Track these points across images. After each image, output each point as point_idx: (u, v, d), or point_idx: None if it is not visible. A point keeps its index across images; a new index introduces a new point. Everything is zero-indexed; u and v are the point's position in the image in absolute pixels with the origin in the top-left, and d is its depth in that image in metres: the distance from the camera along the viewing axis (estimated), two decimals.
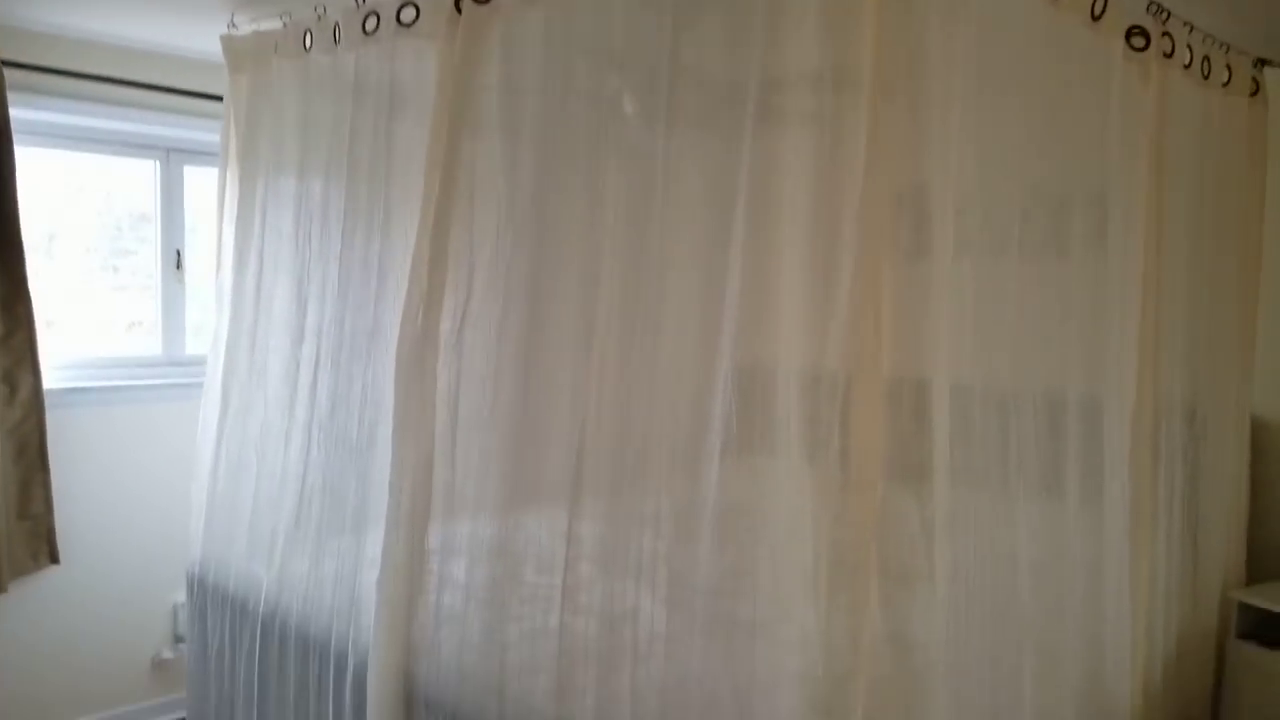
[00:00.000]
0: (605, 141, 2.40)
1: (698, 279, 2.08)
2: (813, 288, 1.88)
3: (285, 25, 2.94)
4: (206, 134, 3.76)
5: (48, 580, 3.60)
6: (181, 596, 3.48)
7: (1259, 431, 3.28)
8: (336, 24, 2.70)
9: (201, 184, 4.04)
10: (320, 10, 2.76)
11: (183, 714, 3.56)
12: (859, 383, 1.78)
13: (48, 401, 3.42)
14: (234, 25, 3.17)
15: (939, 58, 1.91)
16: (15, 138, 3.26)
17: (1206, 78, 2.83)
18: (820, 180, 1.92)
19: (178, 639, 3.87)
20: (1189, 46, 2.73)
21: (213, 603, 3.08)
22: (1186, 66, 2.74)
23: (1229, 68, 2.92)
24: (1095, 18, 2.37)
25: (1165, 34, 2.61)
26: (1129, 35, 2.51)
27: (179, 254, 4.04)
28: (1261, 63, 3.09)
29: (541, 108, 2.39)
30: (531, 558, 2.34)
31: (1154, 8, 2.57)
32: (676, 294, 2.09)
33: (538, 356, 2.28)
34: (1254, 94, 3.08)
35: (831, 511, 1.82)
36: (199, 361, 3.53)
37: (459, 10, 2.31)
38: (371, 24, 2.57)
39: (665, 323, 2.08)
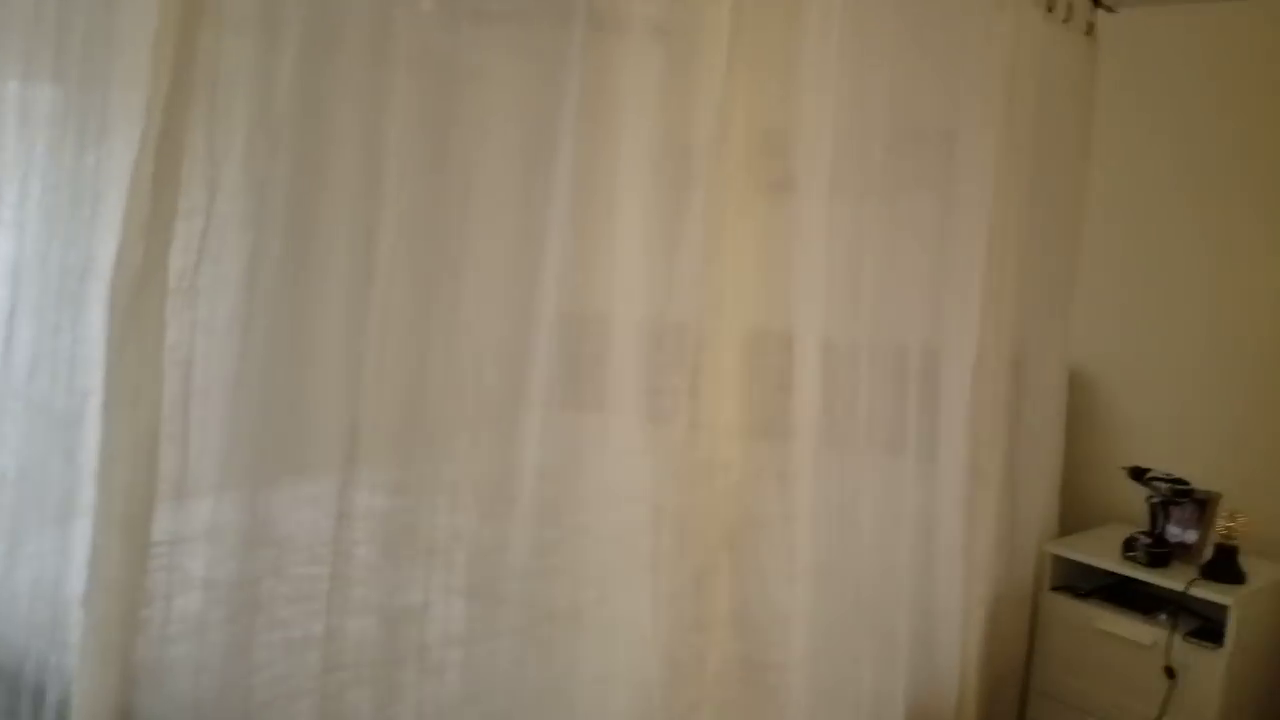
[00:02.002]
0: (392, 38, 1.93)
1: (512, 209, 1.68)
2: (657, 227, 1.53)
3: None
4: None
5: None
6: None
7: (1072, 381, 3.25)
8: None
9: None
10: None
11: None
12: (710, 334, 1.45)
13: None
14: None
15: None
16: None
17: (1050, 11, 2.68)
18: (669, 101, 1.56)
19: None
20: None
21: None
22: None
23: (1070, 3, 2.78)
24: None
25: None
26: None
27: None
28: (1096, 3, 2.98)
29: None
30: (292, 544, 1.90)
31: None
32: (484, 225, 1.68)
33: (301, 298, 1.80)
34: (1087, 34, 2.97)
35: (677, 479, 1.50)
36: None
37: None
38: None
39: (469, 259, 1.67)
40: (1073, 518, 3.30)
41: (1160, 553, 2.82)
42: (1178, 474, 2.89)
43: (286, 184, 1.83)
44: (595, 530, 1.67)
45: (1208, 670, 2.63)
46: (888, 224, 1.97)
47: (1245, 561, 2.74)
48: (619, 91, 1.62)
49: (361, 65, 1.91)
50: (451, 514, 1.77)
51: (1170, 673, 2.67)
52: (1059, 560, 3.03)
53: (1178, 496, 2.85)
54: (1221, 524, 2.76)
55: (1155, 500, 2.89)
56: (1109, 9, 3.00)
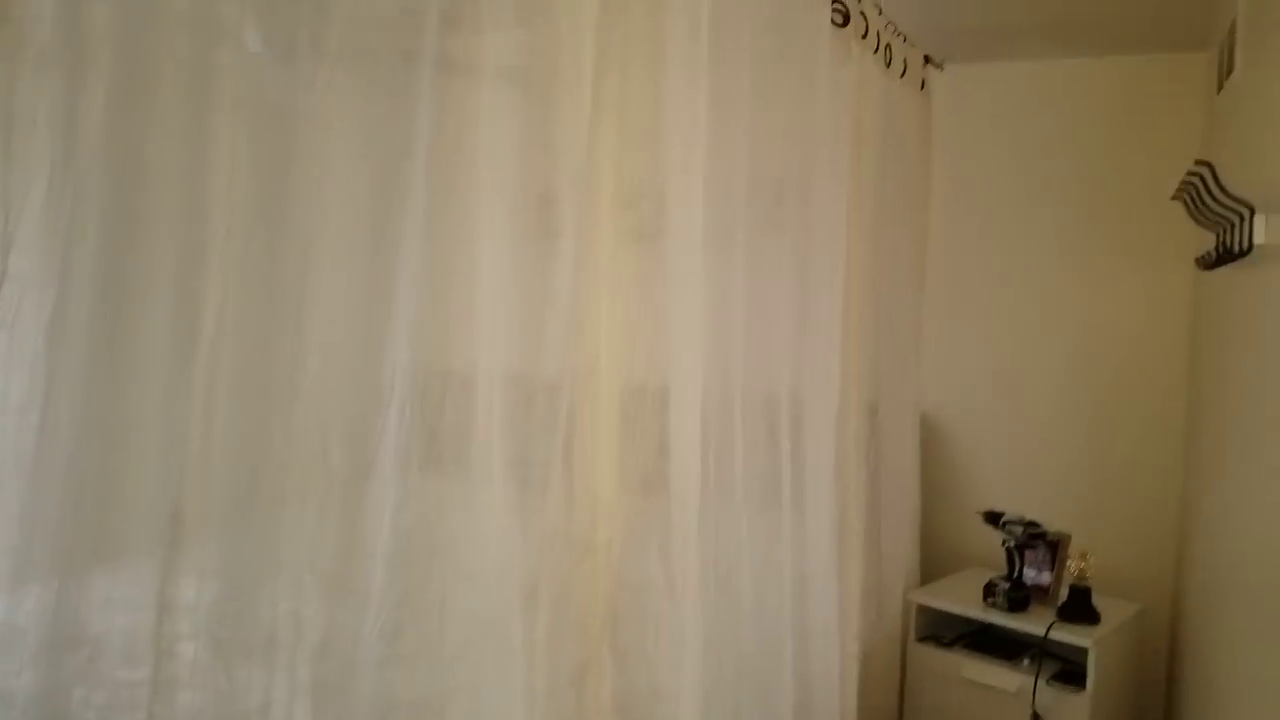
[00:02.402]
0: (217, 78, 1.76)
1: (359, 261, 1.53)
2: (523, 278, 1.42)
3: None
4: None
5: None
6: None
7: (923, 427, 3.30)
8: None
9: None
10: None
11: None
12: (583, 393, 1.34)
13: None
14: None
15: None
16: None
17: (888, 66, 2.75)
18: (529, 147, 1.46)
19: None
20: (878, 33, 2.62)
21: None
22: (875, 52, 2.62)
23: (905, 60, 2.87)
24: None
25: (862, 13, 2.48)
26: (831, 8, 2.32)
27: None
28: (927, 60, 3.09)
29: (121, 25, 1.70)
30: (106, 644, 1.64)
31: None
32: (327, 280, 1.51)
33: (114, 366, 1.58)
34: (921, 89, 3.06)
35: (552, 556, 1.36)
36: None
37: None
38: None
39: (310, 316, 1.50)
40: (932, 564, 3.34)
41: (1019, 597, 2.86)
42: (1029, 517, 2.95)
43: (95, 237, 1.62)
44: (458, 613, 1.51)
45: (1072, 713, 2.66)
46: (752, 272, 1.92)
47: (1098, 601, 2.81)
48: (474, 137, 1.51)
49: (182, 107, 1.74)
50: (293, 600, 1.57)
51: (1036, 718, 2.68)
52: (923, 609, 3.03)
53: (1031, 539, 2.90)
54: (1073, 564, 2.83)
55: (1011, 544, 2.94)
56: (938, 66, 3.13)
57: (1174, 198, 2.41)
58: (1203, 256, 2.36)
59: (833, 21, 2.34)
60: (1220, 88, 2.55)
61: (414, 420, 1.37)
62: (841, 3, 2.38)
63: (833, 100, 2.31)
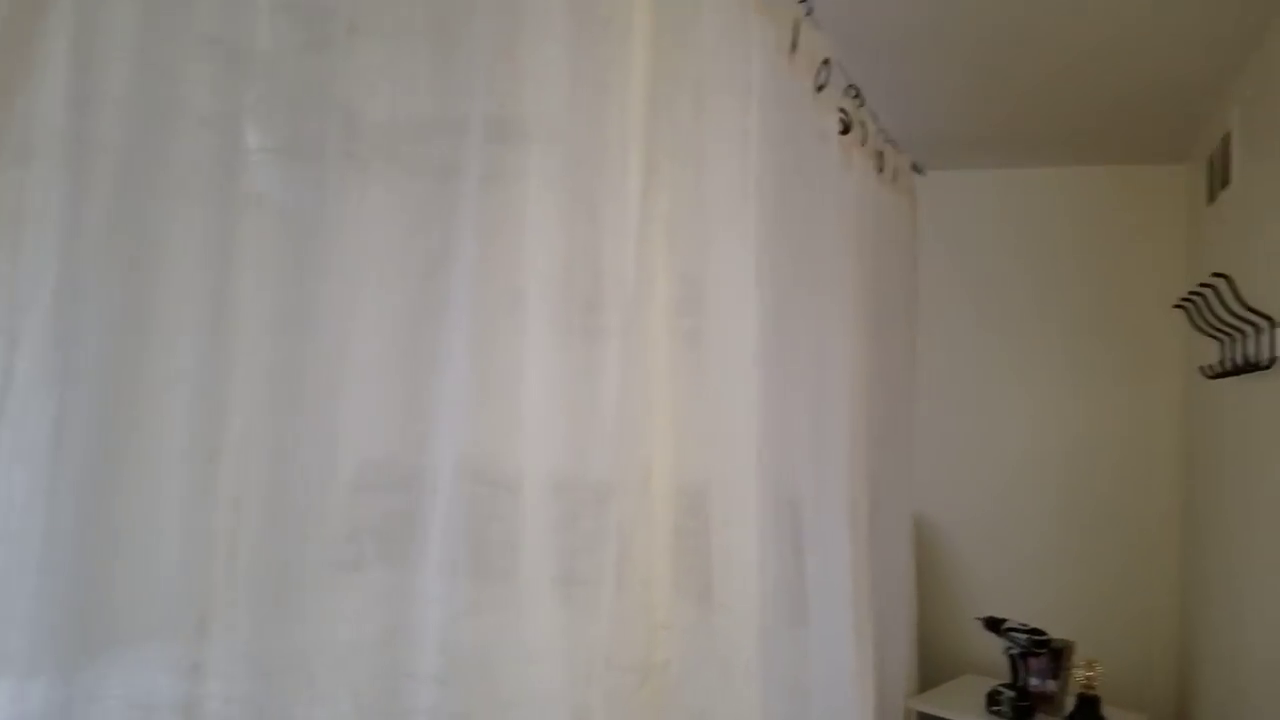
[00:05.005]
0: (239, 179, 1.70)
1: (397, 368, 1.45)
2: (567, 378, 1.36)
3: None
4: None
5: None
6: None
7: (917, 529, 3.26)
8: None
9: None
10: None
11: None
12: (634, 499, 1.27)
13: None
14: None
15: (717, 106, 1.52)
16: None
17: (880, 171, 2.79)
18: (574, 255, 1.44)
19: None
20: (873, 140, 2.67)
21: None
22: (871, 159, 2.67)
23: (895, 167, 2.92)
24: (819, 89, 2.16)
25: (860, 122, 2.52)
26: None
27: None
28: (913, 166, 3.16)
29: (130, 126, 1.65)
30: None
31: (852, 91, 2.45)
32: (362, 387, 1.44)
33: (126, 468, 1.49)
34: (908, 194, 3.12)
35: (602, 683, 1.27)
36: None
37: None
38: None
39: (346, 421, 1.42)
40: (926, 671, 3.26)
41: (1024, 706, 2.79)
42: (1031, 624, 2.91)
43: (103, 330, 1.54)
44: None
45: None
46: (787, 374, 1.89)
47: (1106, 711, 2.75)
48: (518, 242, 1.47)
49: (200, 204, 1.68)
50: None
51: None
52: (924, 717, 2.95)
53: (1036, 647, 2.85)
54: (1080, 674, 2.77)
55: (1014, 651, 2.88)
56: (920, 171, 3.20)
57: (1177, 306, 2.44)
58: (1209, 366, 2.36)
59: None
60: (1212, 199, 2.62)
61: (460, 530, 1.29)
62: (845, 110, 2.42)
63: (839, 206, 2.33)
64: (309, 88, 1.63)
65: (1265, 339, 1.81)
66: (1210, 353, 2.38)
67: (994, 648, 2.98)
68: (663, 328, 1.36)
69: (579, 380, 1.36)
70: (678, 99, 1.49)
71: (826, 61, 2.11)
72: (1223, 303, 1.99)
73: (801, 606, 1.90)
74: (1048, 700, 2.85)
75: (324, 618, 1.33)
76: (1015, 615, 2.97)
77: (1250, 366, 1.93)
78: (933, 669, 3.31)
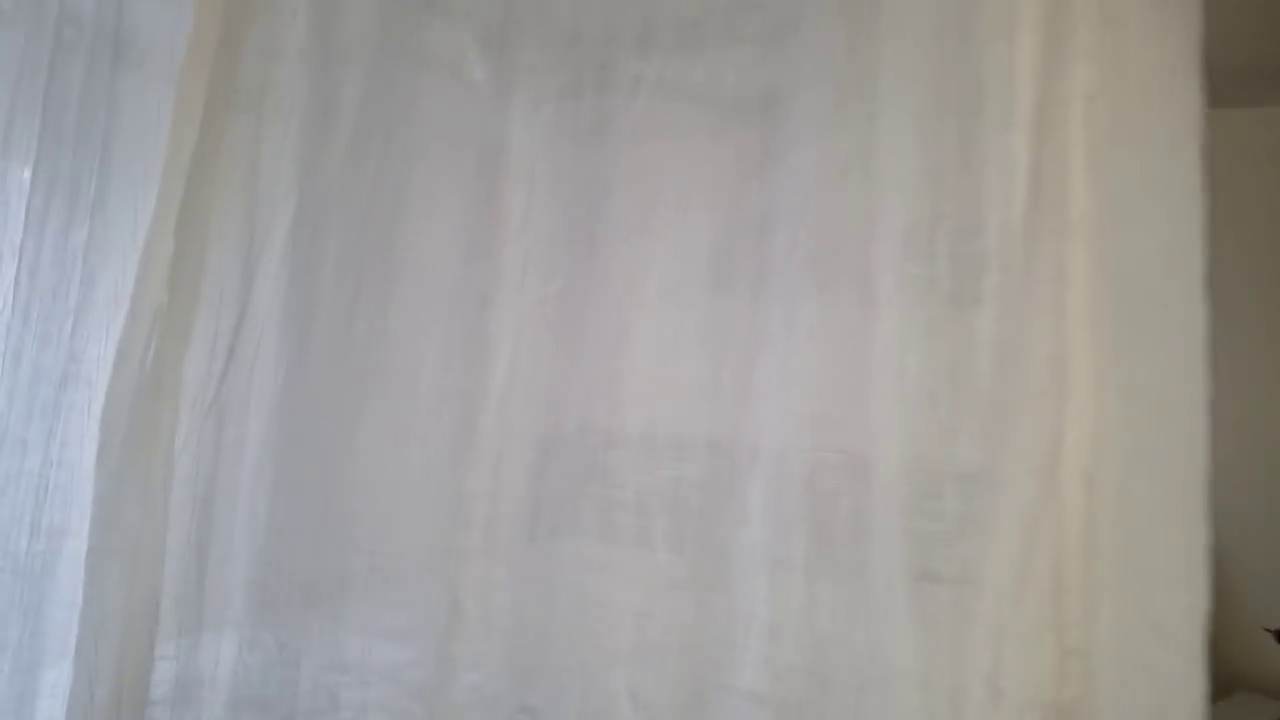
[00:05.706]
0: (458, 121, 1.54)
1: (699, 299, 1.23)
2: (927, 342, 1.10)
3: None
4: None
5: None
6: None
7: None
8: None
9: None
10: None
11: None
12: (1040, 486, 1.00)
13: None
14: None
15: None
16: None
17: None
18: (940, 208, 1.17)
19: None
20: None
21: None
22: None
23: None
24: None
25: None
26: None
27: None
28: None
29: (365, 78, 1.51)
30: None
31: None
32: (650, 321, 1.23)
33: (359, 416, 1.36)
34: None
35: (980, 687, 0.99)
36: None
37: None
38: None
39: (626, 362, 1.22)
40: None
41: None
42: None
43: (345, 272, 1.42)
44: None
45: None
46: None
47: None
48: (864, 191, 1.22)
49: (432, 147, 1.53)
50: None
51: None
52: None
53: None
54: None
55: None
56: None
57: None
58: None
59: None
60: None
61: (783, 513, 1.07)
62: None
63: None
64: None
65: None
66: None
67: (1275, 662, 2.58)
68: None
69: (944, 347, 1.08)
70: None
71: None
72: None
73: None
74: None
75: (594, 605, 1.15)
76: None
77: None
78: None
